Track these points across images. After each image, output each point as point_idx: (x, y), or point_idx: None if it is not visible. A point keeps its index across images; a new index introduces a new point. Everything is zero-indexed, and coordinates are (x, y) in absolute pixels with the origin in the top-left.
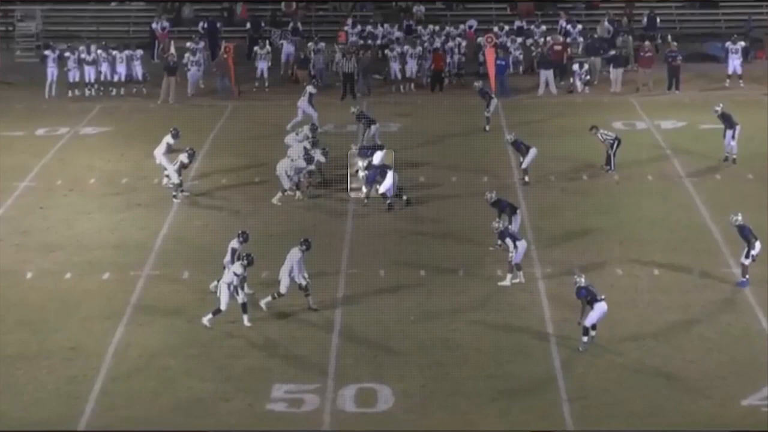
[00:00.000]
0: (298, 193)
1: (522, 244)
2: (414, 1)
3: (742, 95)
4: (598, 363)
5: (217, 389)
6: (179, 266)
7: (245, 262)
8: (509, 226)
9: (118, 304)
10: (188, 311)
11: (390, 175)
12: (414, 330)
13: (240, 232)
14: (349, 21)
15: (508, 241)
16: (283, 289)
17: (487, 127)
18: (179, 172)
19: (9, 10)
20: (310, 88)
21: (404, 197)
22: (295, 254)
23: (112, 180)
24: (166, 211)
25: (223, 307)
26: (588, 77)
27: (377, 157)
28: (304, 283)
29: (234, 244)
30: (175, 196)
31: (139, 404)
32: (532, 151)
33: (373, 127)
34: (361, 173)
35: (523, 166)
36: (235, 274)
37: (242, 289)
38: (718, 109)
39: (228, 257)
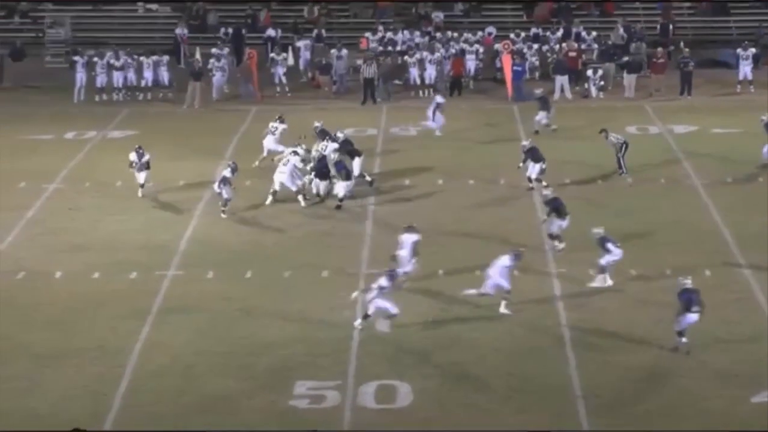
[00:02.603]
0: (300, 198)
1: (618, 251)
2: (434, 5)
3: (753, 100)
4: (611, 362)
5: (241, 387)
6: (203, 267)
7: (388, 277)
8: (561, 224)
9: (144, 303)
10: (212, 310)
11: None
12: (432, 329)
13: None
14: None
15: (609, 245)
16: (489, 290)
17: (544, 129)
18: (224, 186)
19: (39, 17)
20: (438, 98)
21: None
22: (504, 261)
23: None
24: (190, 213)
25: (370, 311)
26: (602, 83)
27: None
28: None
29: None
30: (223, 212)
31: (164, 402)
32: (539, 165)
33: (330, 144)
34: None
35: (528, 174)
36: (381, 287)
37: (382, 297)
38: (765, 118)
39: (402, 251)
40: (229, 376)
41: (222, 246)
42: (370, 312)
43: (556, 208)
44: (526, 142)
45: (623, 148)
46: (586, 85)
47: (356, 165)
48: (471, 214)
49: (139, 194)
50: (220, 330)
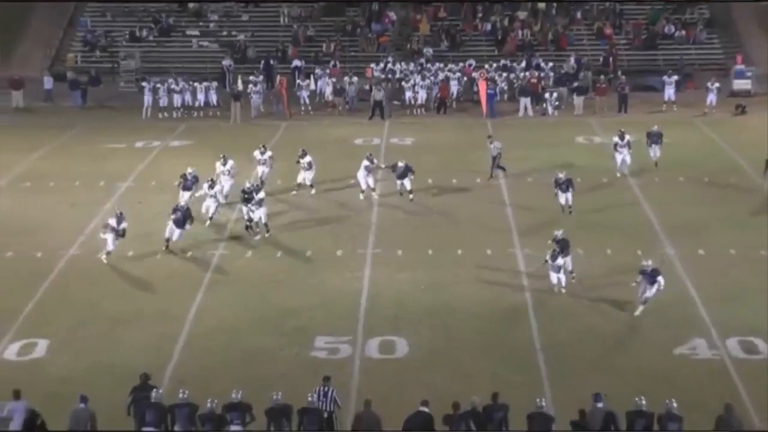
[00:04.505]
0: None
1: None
2: (425, 42)
3: (676, 117)
4: (565, 324)
5: (274, 342)
6: (244, 248)
7: None
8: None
9: (197, 277)
10: (251, 282)
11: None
12: (424, 296)
13: None
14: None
15: (660, 279)
16: None
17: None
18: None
19: (115, 52)
20: (615, 138)
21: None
22: None
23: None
24: (233, 206)
25: None
26: (557, 103)
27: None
28: None
29: None
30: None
31: (213, 355)
32: (567, 195)
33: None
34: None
35: (563, 202)
36: None
37: None
38: None
39: None
40: (264, 333)
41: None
42: None
43: (562, 247)
44: (561, 175)
45: (497, 157)
46: (544, 105)
47: (407, 183)
48: (454, 205)
49: (103, 259)
50: (257, 298)
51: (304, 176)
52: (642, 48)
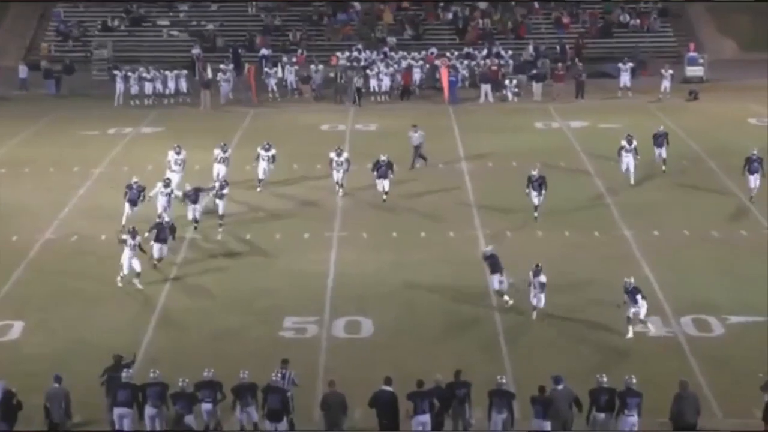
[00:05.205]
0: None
1: (644, 303)
2: (389, 31)
3: (631, 103)
4: (525, 304)
5: (244, 321)
6: (214, 230)
7: None
8: (501, 279)
9: (169, 259)
10: (221, 264)
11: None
12: (388, 277)
13: None
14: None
15: (639, 297)
16: None
17: None
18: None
19: (88, 41)
20: (623, 141)
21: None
22: None
23: (165, 167)
24: (204, 192)
25: None
26: (516, 90)
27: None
28: None
29: None
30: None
31: (185, 333)
32: (540, 195)
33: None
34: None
35: (534, 201)
36: None
37: None
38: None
39: None
40: (234, 313)
41: (227, 215)
42: None
43: (492, 264)
44: (535, 172)
45: (419, 147)
46: (504, 92)
47: (387, 184)
48: (417, 189)
49: (118, 282)
50: (228, 278)
51: (263, 168)
52: (598, 36)
